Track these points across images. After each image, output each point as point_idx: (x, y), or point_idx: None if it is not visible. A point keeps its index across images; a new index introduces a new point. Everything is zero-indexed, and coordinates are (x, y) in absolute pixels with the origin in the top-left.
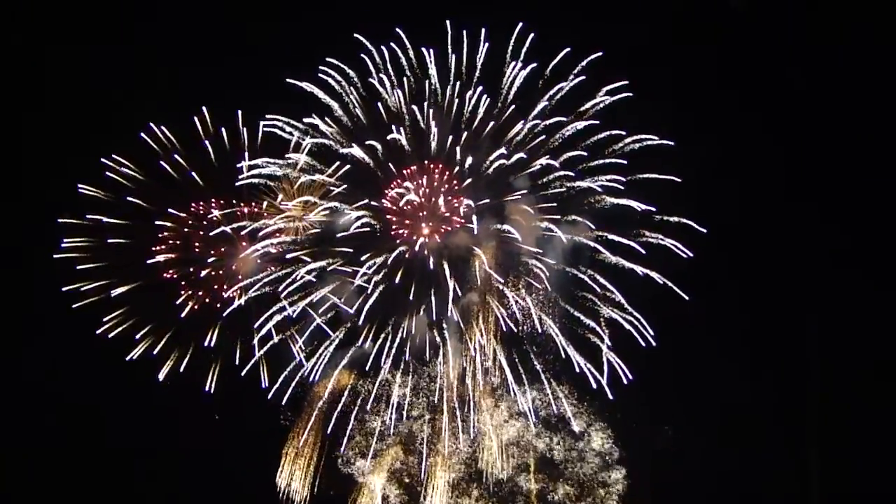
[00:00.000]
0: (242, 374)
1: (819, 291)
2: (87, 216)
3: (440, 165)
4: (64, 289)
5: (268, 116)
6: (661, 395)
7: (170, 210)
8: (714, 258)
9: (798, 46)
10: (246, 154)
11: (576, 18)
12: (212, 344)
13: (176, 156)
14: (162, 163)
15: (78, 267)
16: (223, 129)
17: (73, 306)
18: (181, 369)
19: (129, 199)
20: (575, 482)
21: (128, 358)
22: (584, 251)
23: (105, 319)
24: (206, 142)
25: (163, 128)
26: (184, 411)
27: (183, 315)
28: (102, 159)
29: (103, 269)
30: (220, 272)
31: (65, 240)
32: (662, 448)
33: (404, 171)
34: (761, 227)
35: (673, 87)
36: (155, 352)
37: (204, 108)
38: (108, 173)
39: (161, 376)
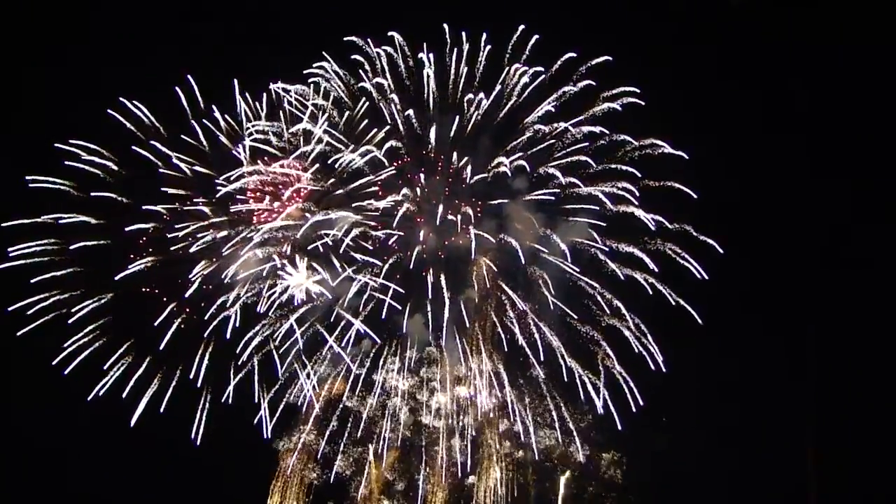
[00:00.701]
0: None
1: (819, 294)
2: (43, 216)
3: (440, 171)
4: (10, 308)
5: (262, 123)
6: (661, 395)
7: (147, 208)
8: (713, 258)
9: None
10: (245, 140)
11: (579, 22)
12: (199, 377)
13: (155, 142)
14: (137, 149)
15: (31, 280)
16: (215, 109)
17: (19, 333)
18: (161, 409)
19: (95, 194)
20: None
21: (90, 397)
22: (588, 260)
23: (64, 346)
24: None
25: (136, 103)
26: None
27: (164, 342)
28: (58, 145)
29: (62, 283)
30: (209, 286)
31: (12, 247)
32: (662, 448)
33: (403, 176)
34: (760, 229)
35: (675, 91)
36: (125, 393)
37: (190, 78)
38: (67, 162)
39: (133, 420)
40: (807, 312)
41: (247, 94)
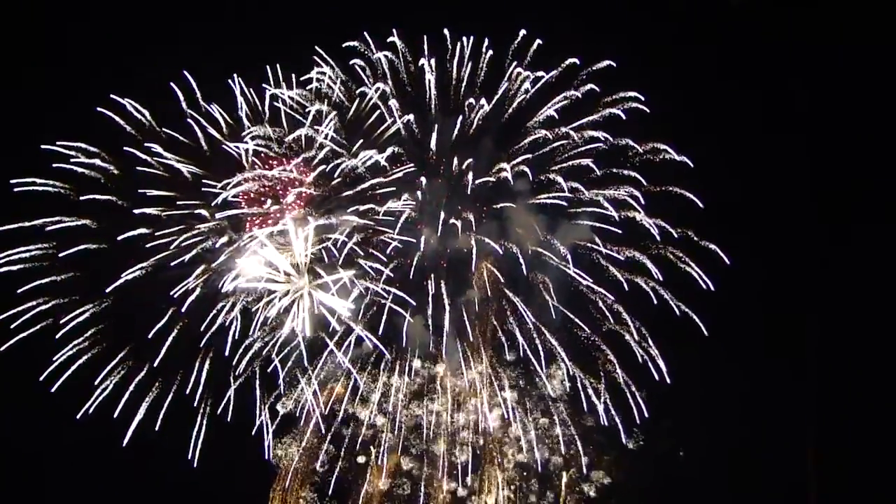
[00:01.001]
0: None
1: (819, 295)
2: (30, 221)
3: (441, 175)
4: None
5: (261, 128)
6: (663, 399)
7: (141, 211)
8: (715, 260)
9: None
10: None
11: (579, 22)
12: (199, 387)
13: (149, 143)
14: (131, 149)
15: (17, 291)
16: (214, 109)
17: (1, 348)
18: (156, 426)
19: (85, 197)
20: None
21: (79, 415)
22: (590, 265)
23: (53, 359)
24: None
25: (131, 101)
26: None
27: (161, 354)
28: (46, 146)
29: (51, 291)
30: (208, 293)
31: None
32: (664, 450)
33: (405, 181)
34: (760, 229)
35: (675, 91)
36: (117, 412)
37: (187, 74)
38: (56, 164)
39: (126, 440)
40: (807, 312)
41: (246, 92)
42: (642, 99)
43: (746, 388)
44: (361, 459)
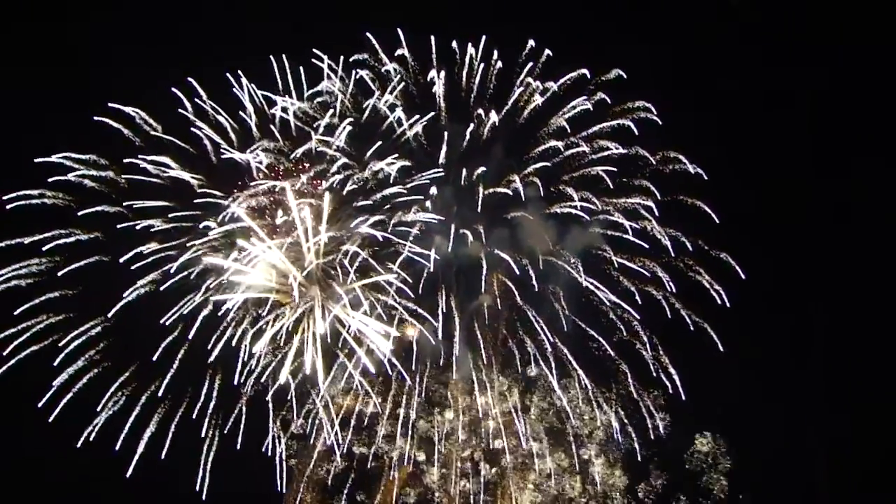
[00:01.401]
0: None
1: (825, 297)
2: (25, 239)
3: (451, 186)
4: None
5: (264, 143)
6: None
7: (143, 225)
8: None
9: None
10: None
11: (582, 25)
12: (206, 415)
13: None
14: (132, 160)
15: (15, 312)
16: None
17: None
18: (162, 455)
19: (84, 211)
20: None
21: (79, 443)
22: (602, 276)
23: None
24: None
25: (134, 109)
26: None
27: (166, 380)
28: (40, 159)
29: (49, 310)
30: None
31: None
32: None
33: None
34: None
35: (676, 92)
36: (120, 442)
37: (192, 81)
38: (52, 178)
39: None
40: (810, 309)
41: (255, 96)
42: (653, 109)
43: (757, 393)
44: (373, 465)
